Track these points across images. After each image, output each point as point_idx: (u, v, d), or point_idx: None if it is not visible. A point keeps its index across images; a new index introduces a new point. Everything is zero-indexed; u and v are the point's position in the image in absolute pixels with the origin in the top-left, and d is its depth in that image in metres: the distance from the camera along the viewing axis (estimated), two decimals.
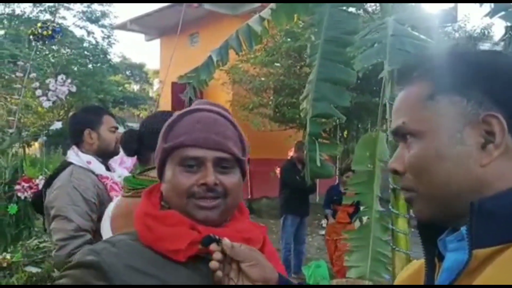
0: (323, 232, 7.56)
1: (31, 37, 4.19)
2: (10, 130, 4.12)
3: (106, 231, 1.59)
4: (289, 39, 8.40)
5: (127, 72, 34.61)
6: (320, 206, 11.17)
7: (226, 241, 0.92)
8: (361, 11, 4.78)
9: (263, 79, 9.11)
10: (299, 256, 6.40)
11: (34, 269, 3.78)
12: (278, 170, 6.74)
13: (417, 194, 0.77)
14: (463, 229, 0.69)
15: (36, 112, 17.66)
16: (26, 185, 3.60)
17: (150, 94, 31.07)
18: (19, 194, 3.60)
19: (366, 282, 1.32)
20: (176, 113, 1.06)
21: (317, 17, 4.79)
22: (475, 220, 0.67)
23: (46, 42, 4.32)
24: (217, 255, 0.91)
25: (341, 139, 9.23)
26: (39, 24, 4.16)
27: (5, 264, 3.57)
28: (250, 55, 8.79)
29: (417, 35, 2.47)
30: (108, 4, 20.20)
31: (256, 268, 0.93)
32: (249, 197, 10.43)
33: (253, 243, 0.99)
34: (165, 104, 11.44)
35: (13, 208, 3.68)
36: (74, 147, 2.38)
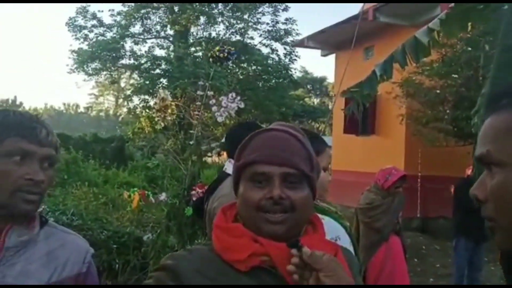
0: None
1: (210, 59, 4.72)
2: (190, 142, 4.70)
3: None
4: (469, 48, 7.78)
5: (308, 86, 35.78)
6: None
7: (305, 249, 0.97)
8: None
9: (438, 91, 8.59)
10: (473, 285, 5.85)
11: None
12: (453, 189, 6.28)
13: (496, 224, 0.76)
14: None
15: (225, 124, 19.48)
16: (200, 191, 4.07)
17: (330, 107, 31.57)
18: (194, 198, 4.09)
19: None
20: (250, 135, 1.16)
21: (493, 24, 4.41)
22: None
23: (224, 63, 4.81)
24: (294, 260, 0.97)
25: None
26: (217, 48, 4.66)
27: None
28: (426, 66, 8.38)
29: None
30: (291, 22, 21.26)
31: (332, 279, 0.95)
32: (418, 215, 9.87)
33: None
34: (339, 117, 11.56)
35: (189, 211, 4.20)
36: (231, 159, 2.63)
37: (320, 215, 1.62)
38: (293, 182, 1.05)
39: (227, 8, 20.80)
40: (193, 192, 4.14)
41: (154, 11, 20.90)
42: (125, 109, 23.98)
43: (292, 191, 1.04)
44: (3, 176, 1.18)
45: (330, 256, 0.99)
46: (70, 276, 1.28)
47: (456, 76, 8.38)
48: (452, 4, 4.48)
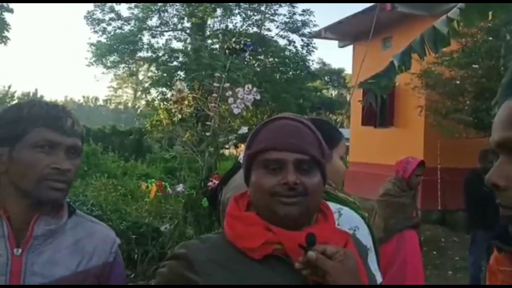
0: None
1: (227, 51, 4.71)
2: (207, 134, 4.71)
3: None
4: (490, 38, 7.62)
5: (326, 78, 35.51)
6: None
7: (310, 253, 0.97)
8: None
9: (458, 82, 8.44)
10: None
11: None
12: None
13: None
14: None
15: (242, 117, 19.38)
16: (216, 182, 4.10)
17: (348, 99, 31.32)
18: None
19: None
20: (260, 123, 1.16)
21: None
22: None
23: (240, 55, 4.80)
24: (300, 259, 0.98)
25: None
26: (233, 40, 4.67)
27: None
28: (446, 56, 8.23)
29: None
30: (308, 13, 21.09)
31: (335, 282, 0.96)
32: (439, 208, 9.76)
33: None
34: (357, 109, 11.48)
35: (205, 202, 4.24)
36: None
37: (339, 205, 1.63)
38: (305, 168, 1.07)
39: None
40: (210, 183, 4.17)
41: (171, 3, 20.92)
42: (143, 102, 24.15)
43: (305, 176, 1.06)
44: (30, 166, 1.19)
45: (339, 256, 0.98)
46: (97, 265, 1.29)
47: (476, 66, 8.21)
48: None
